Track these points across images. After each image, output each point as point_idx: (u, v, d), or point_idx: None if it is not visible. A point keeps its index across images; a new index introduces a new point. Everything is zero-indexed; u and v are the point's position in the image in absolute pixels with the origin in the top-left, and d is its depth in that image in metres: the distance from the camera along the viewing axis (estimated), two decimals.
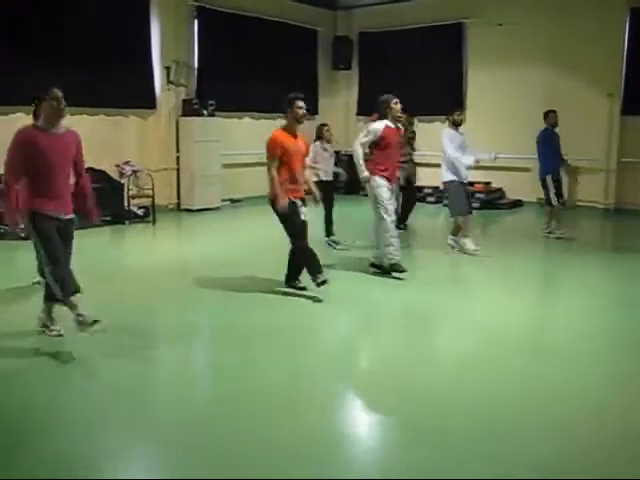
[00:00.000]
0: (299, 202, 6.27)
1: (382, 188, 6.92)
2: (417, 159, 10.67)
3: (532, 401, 4.13)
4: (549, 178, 9.34)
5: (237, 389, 4.27)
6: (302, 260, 6.36)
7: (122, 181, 10.81)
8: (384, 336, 5.58)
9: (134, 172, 11.02)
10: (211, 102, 12.09)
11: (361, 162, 6.90)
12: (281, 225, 6.27)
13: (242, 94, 12.79)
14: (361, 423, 4.03)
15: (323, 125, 8.96)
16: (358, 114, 14.98)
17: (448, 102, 13.58)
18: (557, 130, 9.39)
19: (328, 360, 4.88)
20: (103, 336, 4.89)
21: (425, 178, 13.99)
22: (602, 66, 11.94)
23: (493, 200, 12.82)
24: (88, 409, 3.98)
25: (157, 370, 4.83)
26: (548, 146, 9.30)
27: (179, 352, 5.04)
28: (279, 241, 6.59)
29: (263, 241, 8.81)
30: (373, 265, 7.32)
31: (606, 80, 12.01)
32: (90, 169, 10.48)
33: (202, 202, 11.96)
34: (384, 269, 7.17)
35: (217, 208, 11.73)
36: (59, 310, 5.05)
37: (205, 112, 11.97)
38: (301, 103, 6.18)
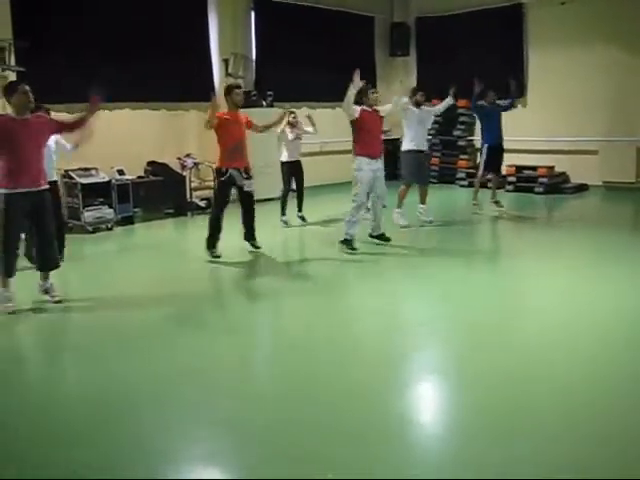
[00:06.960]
0: (235, 172, 7.24)
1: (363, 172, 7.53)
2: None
3: None
4: (486, 147, 10.01)
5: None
6: (210, 227, 7.31)
7: (184, 173, 11.01)
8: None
9: (195, 164, 11.19)
10: (270, 92, 12.17)
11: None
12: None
13: (300, 84, 12.84)
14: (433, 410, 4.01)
15: (291, 112, 9.57)
16: None
17: (509, 86, 13.41)
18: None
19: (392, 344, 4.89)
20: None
21: None
22: None
23: (557, 184, 12.54)
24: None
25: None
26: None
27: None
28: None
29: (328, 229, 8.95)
30: (371, 236, 7.95)
31: None
32: (152, 162, 10.77)
33: (262, 192, 11.98)
34: (383, 238, 7.91)
35: (277, 198, 11.78)
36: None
37: (264, 103, 12.05)
38: (238, 90, 7.39)
